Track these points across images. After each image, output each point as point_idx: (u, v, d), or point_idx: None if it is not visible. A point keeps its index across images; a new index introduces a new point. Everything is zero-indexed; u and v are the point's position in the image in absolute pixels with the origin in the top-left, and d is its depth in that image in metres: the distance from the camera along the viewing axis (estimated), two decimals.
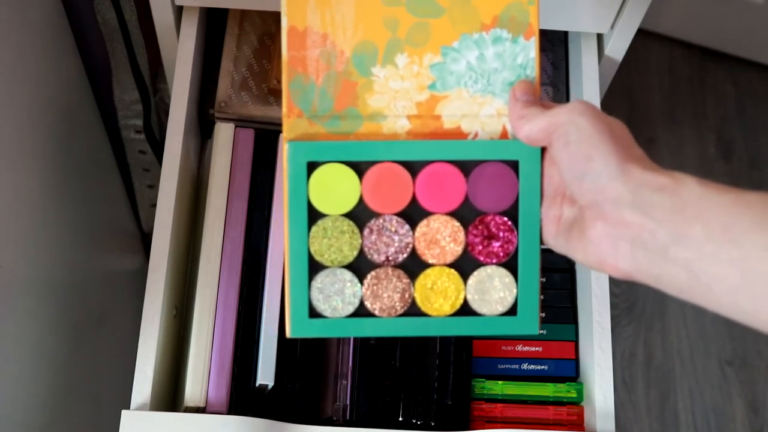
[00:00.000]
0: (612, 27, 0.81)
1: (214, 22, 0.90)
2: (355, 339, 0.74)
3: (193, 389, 0.71)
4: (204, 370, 0.71)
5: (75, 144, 0.96)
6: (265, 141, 0.78)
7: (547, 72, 0.88)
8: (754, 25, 1.61)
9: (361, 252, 0.60)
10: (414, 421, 0.74)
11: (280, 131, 0.80)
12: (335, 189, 0.59)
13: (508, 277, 0.60)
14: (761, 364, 1.51)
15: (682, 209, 0.49)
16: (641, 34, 1.51)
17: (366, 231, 0.60)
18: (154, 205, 1.06)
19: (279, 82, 0.85)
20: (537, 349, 0.79)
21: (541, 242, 0.59)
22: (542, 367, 0.79)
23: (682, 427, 1.46)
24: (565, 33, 0.90)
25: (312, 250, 0.59)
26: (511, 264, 0.60)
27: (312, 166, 0.59)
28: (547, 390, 0.76)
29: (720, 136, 1.64)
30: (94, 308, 1.06)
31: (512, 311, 0.60)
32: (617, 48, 0.82)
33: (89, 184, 1.02)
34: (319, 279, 0.59)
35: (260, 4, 0.79)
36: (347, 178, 0.59)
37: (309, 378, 0.75)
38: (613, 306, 1.52)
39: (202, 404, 0.71)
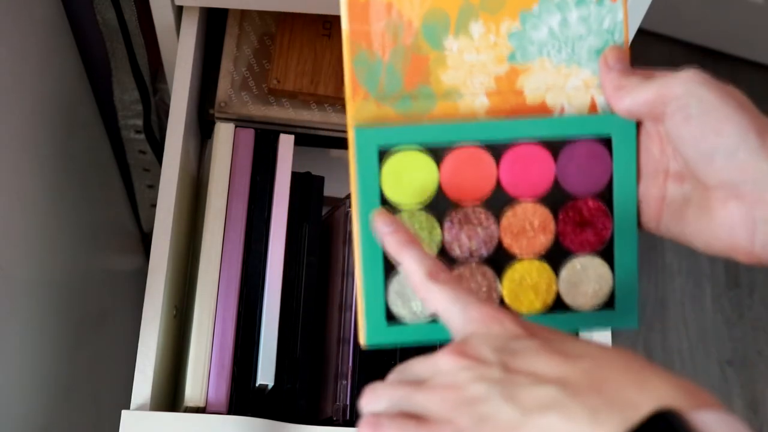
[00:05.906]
0: None
1: (214, 22, 0.90)
2: (355, 339, 0.74)
3: (193, 389, 0.71)
4: (204, 370, 0.71)
5: (75, 144, 0.96)
6: (265, 141, 0.78)
7: None
8: (754, 25, 1.62)
9: (442, 248, 0.53)
10: None
11: (280, 131, 0.80)
12: (410, 178, 0.52)
13: (603, 267, 0.54)
14: (761, 364, 1.51)
15: None
16: (641, 34, 1.51)
17: (446, 224, 0.53)
18: (154, 205, 1.06)
19: (279, 81, 0.85)
20: None
21: (639, 227, 0.53)
22: None
23: None
24: None
25: None
26: (606, 252, 0.54)
27: (383, 154, 0.52)
28: None
29: None
30: (94, 308, 1.06)
31: (609, 304, 0.54)
32: None
33: (89, 184, 1.02)
34: (396, 281, 0.52)
35: (260, 4, 0.79)
36: (423, 166, 0.52)
37: (309, 378, 0.74)
38: None
39: (202, 404, 0.71)
